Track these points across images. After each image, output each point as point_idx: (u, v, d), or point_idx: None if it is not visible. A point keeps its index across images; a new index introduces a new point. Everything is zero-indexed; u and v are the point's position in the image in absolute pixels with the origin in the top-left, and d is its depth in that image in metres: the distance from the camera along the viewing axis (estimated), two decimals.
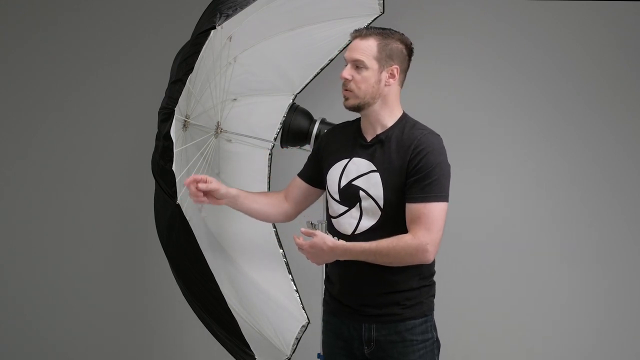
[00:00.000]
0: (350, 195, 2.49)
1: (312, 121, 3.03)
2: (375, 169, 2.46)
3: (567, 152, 3.75)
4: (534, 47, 3.73)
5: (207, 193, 2.59)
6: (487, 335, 3.79)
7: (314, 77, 3.23)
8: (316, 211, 2.96)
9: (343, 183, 2.51)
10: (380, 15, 3.19)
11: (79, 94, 3.93)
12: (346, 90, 2.48)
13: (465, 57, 3.75)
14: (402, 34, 2.51)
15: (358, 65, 2.45)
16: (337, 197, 2.52)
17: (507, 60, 3.74)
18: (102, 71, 3.91)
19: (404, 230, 2.42)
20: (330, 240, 2.42)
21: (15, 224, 3.98)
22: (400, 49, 2.47)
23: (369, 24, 3.15)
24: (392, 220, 2.43)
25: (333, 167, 2.55)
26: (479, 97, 3.76)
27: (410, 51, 2.51)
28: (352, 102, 2.47)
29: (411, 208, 2.39)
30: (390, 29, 2.49)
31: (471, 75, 3.76)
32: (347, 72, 2.46)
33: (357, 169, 2.49)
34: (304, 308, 3.25)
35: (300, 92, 3.25)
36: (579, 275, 3.75)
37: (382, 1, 3.15)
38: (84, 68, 3.91)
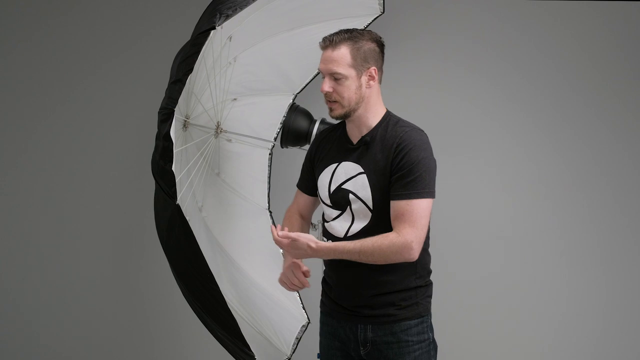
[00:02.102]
0: (340, 199, 2.49)
1: (312, 121, 3.03)
2: (362, 171, 2.45)
3: (567, 152, 3.74)
4: (534, 47, 3.73)
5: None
6: (485, 336, 3.79)
7: (314, 77, 3.23)
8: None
9: (333, 187, 2.51)
10: (380, 15, 3.19)
11: (79, 94, 3.92)
12: (330, 101, 2.45)
13: (465, 57, 3.74)
14: (370, 31, 2.47)
15: (336, 77, 2.41)
16: (328, 202, 2.53)
17: (507, 60, 3.74)
18: (102, 71, 3.91)
19: None
20: (313, 241, 2.39)
21: (15, 224, 3.98)
22: (372, 48, 2.44)
23: (369, 24, 3.16)
24: (384, 221, 2.42)
25: (322, 172, 2.55)
26: (479, 97, 3.76)
27: (382, 47, 2.48)
28: (339, 112, 2.45)
29: (395, 205, 2.38)
30: (356, 30, 2.45)
31: (471, 75, 3.75)
32: (327, 85, 2.43)
33: (346, 173, 2.48)
34: (304, 308, 3.25)
35: (300, 92, 3.25)
36: (579, 275, 3.75)
37: (382, 1, 3.15)
38: (84, 67, 3.91)
